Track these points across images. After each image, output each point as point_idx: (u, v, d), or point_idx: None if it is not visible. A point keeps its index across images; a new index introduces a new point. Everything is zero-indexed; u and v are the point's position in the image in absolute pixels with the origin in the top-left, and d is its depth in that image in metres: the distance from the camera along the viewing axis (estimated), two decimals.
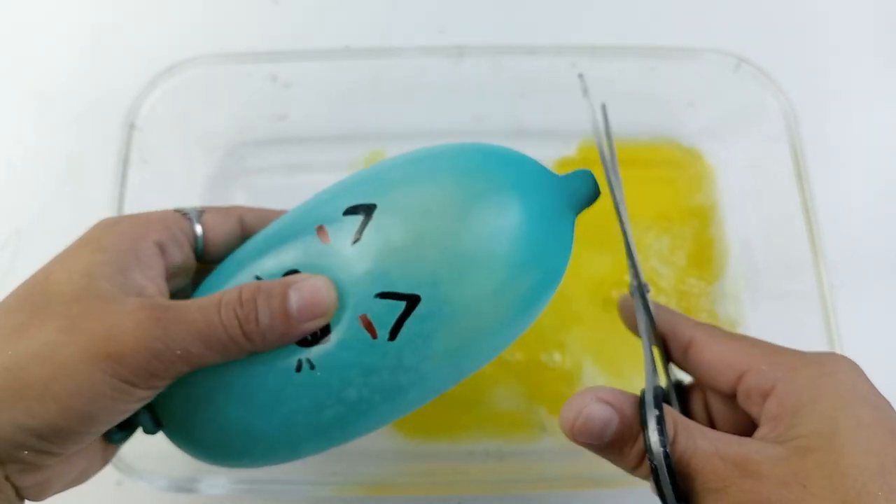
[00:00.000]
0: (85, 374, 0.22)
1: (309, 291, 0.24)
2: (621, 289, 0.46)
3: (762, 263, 0.46)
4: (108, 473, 0.37)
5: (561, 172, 0.33)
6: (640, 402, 0.23)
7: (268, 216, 0.31)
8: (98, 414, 0.23)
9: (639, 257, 0.29)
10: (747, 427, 0.25)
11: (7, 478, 0.23)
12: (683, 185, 0.49)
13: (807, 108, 0.45)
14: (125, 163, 0.42)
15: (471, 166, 0.23)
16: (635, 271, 0.29)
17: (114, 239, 0.26)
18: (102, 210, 0.41)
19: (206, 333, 0.23)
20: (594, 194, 0.26)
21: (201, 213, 0.29)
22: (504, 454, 0.42)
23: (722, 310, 0.46)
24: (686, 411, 0.29)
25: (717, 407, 0.28)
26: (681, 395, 0.29)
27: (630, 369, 0.44)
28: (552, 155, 0.50)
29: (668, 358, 0.29)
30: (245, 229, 0.30)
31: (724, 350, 0.26)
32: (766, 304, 0.45)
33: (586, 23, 0.56)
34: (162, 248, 0.27)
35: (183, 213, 0.29)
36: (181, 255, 0.28)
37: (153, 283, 0.26)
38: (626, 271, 0.46)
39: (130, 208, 0.41)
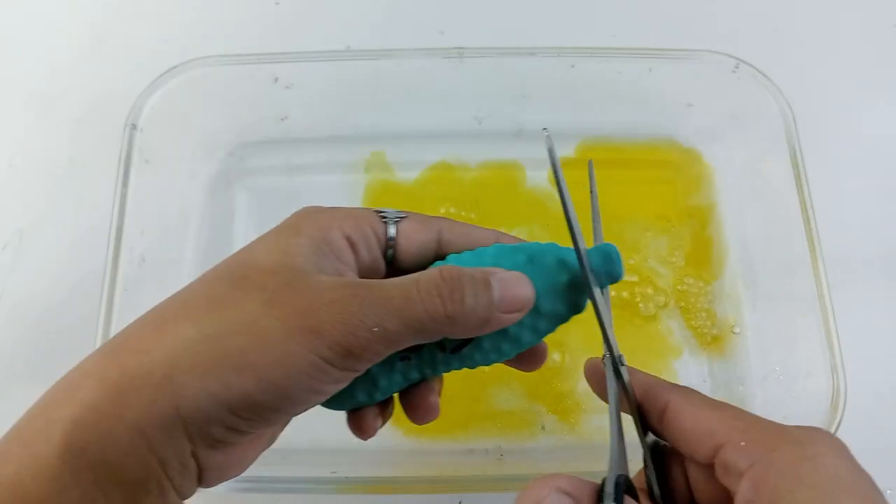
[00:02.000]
0: (283, 347, 0.22)
1: (514, 282, 0.25)
2: (620, 288, 0.46)
3: (760, 263, 0.46)
4: None
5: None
6: (600, 492, 0.22)
7: (470, 234, 0.29)
8: (292, 391, 0.22)
9: (612, 328, 0.27)
10: (726, 498, 0.23)
11: (194, 454, 0.22)
12: (682, 186, 0.49)
13: (805, 109, 0.45)
14: (127, 163, 0.42)
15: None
16: (608, 342, 0.26)
17: (310, 227, 0.26)
18: (103, 210, 0.41)
19: (403, 310, 0.23)
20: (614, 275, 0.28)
21: (401, 218, 0.28)
22: (504, 452, 0.42)
23: (720, 309, 0.46)
24: (663, 476, 0.26)
25: (696, 475, 0.25)
26: (659, 460, 0.27)
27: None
28: None
29: (643, 423, 0.27)
30: (442, 243, 0.28)
31: (701, 418, 0.24)
32: (764, 304, 0.45)
33: (586, 24, 0.56)
34: (351, 244, 0.26)
35: (381, 215, 0.28)
36: (369, 255, 0.27)
37: (346, 273, 0.26)
38: (626, 271, 0.47)
39: (132, 209, 0.42)
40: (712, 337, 0.45)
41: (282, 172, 0.49)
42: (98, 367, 0.22)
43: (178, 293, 0.24)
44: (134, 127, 0.43)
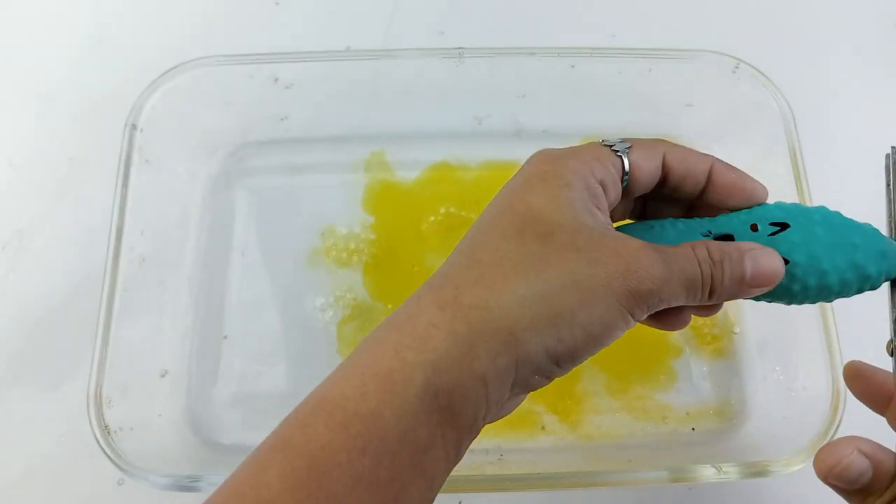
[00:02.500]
0: (605, 304, 0.25)
1: (765, 261, 0.27)
2: None
3: None
4: (109, 472, 0.37)
5: None
6: None
7: (688, 159, 0.30)
8: (604, 340, 0.25)
9: None
10: None
11: (503, 401, 0.25)
12: None
13: (805, 109, 0.45)
14: (127, 163, 0.42)
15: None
16: None
17: (573, 175, 0.27)
18: (103, 210, 0.41)
19: (690, 281, 0.26)
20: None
21: (629, 147, 0.29)
22: (504, 452, 0.42)
23: (720, 310, 0.46)
24: None
25: None
26: None
27: (629, 368, 0.44)
28: None
29: None
30: (666, 166, 0.29)
31: None
32: (763, 305, 0.45)
33: (585, 24, 0.56)
34: (604, 187, 0.28)
35: (614, 150, 0.29)
36: (616, 192, 0.29)
37: (608, 222, 0.27)
38: None
39: (132, 209, 0.42)
40: (712, 337, 0.45)
41: (282, 172, 0.49)
42: (444, 320, 0.24)
43: (483, 244, 0.26)
44: (134, 127, 0.43)
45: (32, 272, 0.48)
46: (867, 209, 0.49)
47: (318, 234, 0.47)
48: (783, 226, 0.28)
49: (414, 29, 0.55)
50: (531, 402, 0.43)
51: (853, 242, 0.28)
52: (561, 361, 0.25)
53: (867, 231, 0.29)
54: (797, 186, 0.42)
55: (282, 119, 0.49)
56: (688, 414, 0.43)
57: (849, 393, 0.38)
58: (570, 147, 0.29)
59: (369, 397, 0.22)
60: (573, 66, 0.46)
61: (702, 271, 0.26)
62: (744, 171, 0.31)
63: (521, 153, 0.49)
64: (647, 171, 0.29)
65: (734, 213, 0.29)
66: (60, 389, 0.43)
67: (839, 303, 0.40)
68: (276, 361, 0.45)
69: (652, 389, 0.44)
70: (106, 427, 0.37)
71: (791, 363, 0.42)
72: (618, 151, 0.29)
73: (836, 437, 0.37)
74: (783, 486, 0.42)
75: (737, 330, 0.45)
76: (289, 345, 0.45)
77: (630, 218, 0.32)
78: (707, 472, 0.36)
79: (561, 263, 0.25)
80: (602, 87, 0.48)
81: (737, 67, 0.45)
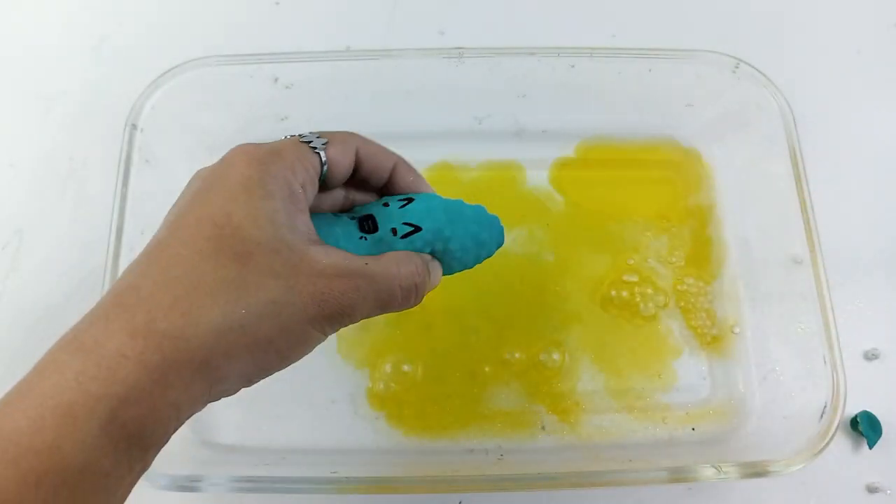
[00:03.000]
0: (302, 332, 0.26)
1: (436, 277, 0.31)
2: (620, 288, 0.46)
3: (760, 263, 0.46)
4: None
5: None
6: None
7: (378, 154, 0.32)
8: (296, 358, 0.27)
9: None
10: None
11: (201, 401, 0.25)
12: (682, 186, 0.49)
13: (805, 108, 0.45)
14: (127, 163, 0.42)
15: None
16: None
17: (275, 184, 0.27)
18: (104, 210, 0.41)
19: (385, 301, 0.28)
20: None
21: (325, 144, 0.30)
22: (504, 452, 0.42)
23: (720, 309, 0.46)
24: None
25: None
26: None
27: (629, 368, 0.44)
28: (551, 155, 0.50)
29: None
30: (358, 160, 0.31)
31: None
32: (763, 304, 0.45)
33: (585, 24, 0.56)
34: (304, 189, 0.28)
35: (311, 147, 0.29)
36: (313, 190, 0.29)
37: (310, 227, 0.28)
38: (624, 271, 0.47)
39: (132, 209, 0.42)
40: (712, 337, 0.45)
41: None
42: (134, 350, 0.23)
43: (178, 260, 0.25)
44: (134, 127, 0.43)
45: (32, 272, 0.48)
46: (867, 208, 0.49)
47: None
48: (409, 200, 0.31)
49: (414, 29, 0.55)
50: (531, 402, 0.43)
51: (467, 215, 0.32)
52: (253, 379, 0.26)
53: (478, 208, 0.33)
54: (797, 186, 0.42)
55: (282, 119, 0.49)
56: (688, 414, 0.43)
57: (849, 393, 0.38)
58: (271, 146, 0.28)
59: (46, 431, 0.21)
60: (573, 66, 0.46)
61: (400, 292, 0.28)
62: (421, 174, 0.34)
63: (521, 153, 0.50)
64: (342, 165, 0.30)
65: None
66: None
67: (838, 303, 0.41)
68: None
69: (652, 389, 0.44)
70: None
71: (791, 363, 0.42)
72: (316, 149, 0.29)
73: (835, 438, 0.37)
74: (783, 486, 0.42)
75: (736, 330, 0.45)
76: None
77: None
78: (707, 472, 0.36)
79: (259, 291, 0.24)
80: (602, 87, 0.48)
81: (737, 67, 0.45)
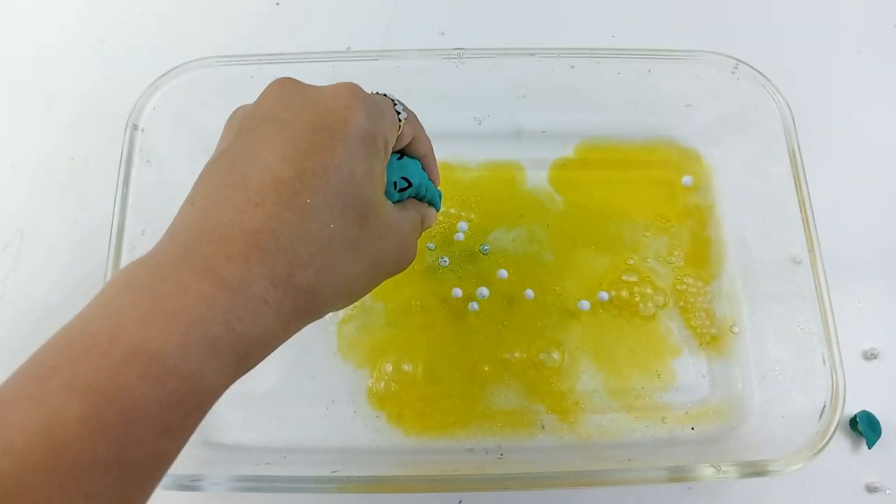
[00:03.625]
0: (376, 285, 0.29)
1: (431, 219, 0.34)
2: (619, 288, 0.46)
3: (759, 263, 0.46)
4: None
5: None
6: None
7: (423, 142, 0.33)
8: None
9: None
10: None
11: None
12: (681, 186, 0.49)
13: (804, 109, 0.45)
14: (128, 164, 0.42)
15: None
16: None
17: (382, 145, 0.27)
18: (104, 210, 0.41)
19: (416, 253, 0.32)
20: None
21: (406, 118, 0.30)
22: (504, 452, 0.42)
23: (719, 309, 0.46)
24: None
25: None
26: None
27: (628, 367, 0.44)
28: (551, 155, 0.50)
29: None
30: (411, 141, 0.32)
31: None
32: (763, 304, 0.45)
33: (585, 25, 0.56)
34: (386, 151, 0.29)
35: (398, 116, 0.29)
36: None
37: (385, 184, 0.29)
38: (623, 271, 0.47)
39: (133, 209, 0.42)
40: (711, 336, 0.45)
41: None
42: (275, 299, 0.24)
43: (312, 212, 0.25)
44: (135, 127, 0.43)
45: (33, 272, 0.48)
46: (866, 208, 0.49)
47: None
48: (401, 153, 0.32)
49: (414, 29, 0.55)
50: (531, 402, 0.43)
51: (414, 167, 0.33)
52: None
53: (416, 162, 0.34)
54: (796, 186, 0.42)
55: None
56: (687, 414, 0.44)
57: (848, 392, 0.38)
58: (375, 99, 0.28)
59: (191, 359, 0.22)
60: (573, 67, 0.46)
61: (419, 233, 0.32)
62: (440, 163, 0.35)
63: (521, 153, 0.50)
64: (405, 140, 0.31)
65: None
66: None
67: (838, 302, 0.41)
68: (276, 361, 0.45)
69: (651, 389, 0.44)
70: None
71: (790, 363, 0.42)
72: (400, 120, 0.29)
73: (834, 437, 0.37)
74: (782, 486, 0.42)
75: (735, 330, 0.45)
76: (289, 345, 0.45)
77: None
78: (706, 472, 0.36)
79: (368, 253, 0.27)
80: (601, 88, 0.48)
81: (736, 67, 0.45)
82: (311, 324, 0.46)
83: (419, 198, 0.33)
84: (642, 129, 0.50)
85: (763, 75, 0.45)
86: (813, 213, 0.42)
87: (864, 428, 0.43)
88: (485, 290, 0.46)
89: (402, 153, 0.32)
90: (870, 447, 0.43)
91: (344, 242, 0.25)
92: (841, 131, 0.52)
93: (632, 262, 0.47)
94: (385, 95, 0.30)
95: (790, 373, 0.42)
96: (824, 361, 0.39)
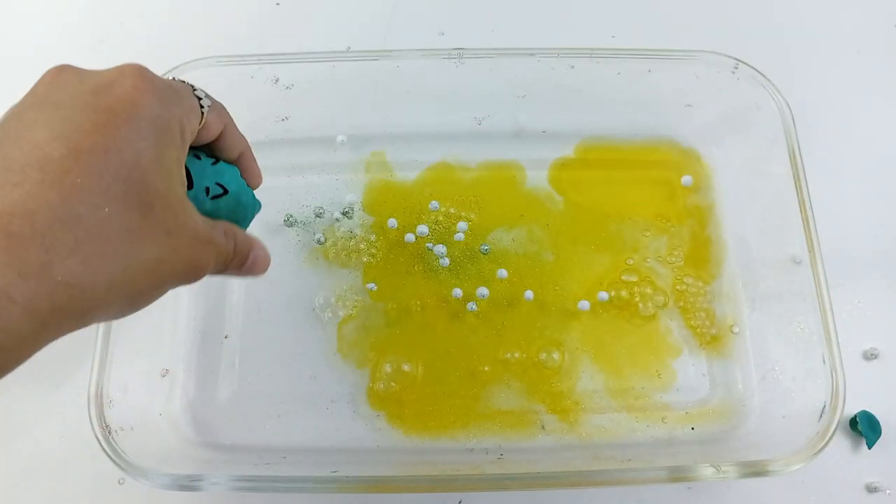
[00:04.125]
0: (167, 290, 0.26)
1: (261, 254, 0.31)
2: (619, 288, 0.46)
3: (759, 263, 0.46)
4: (110, 472, 0.37)
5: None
6: None
7: (234, 136, 0.31)
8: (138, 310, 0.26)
9: None
10: None
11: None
12: (681, 186, 0.49)
13: (804, 109, 0.45)
14: None
15: None
16: None
17: (177, 130, 0.26)
18: None
19: (223, 262, 0.28)
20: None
21: (210, 106, 0.29)
22: (504, 452, 0.42)
23: (719, 309, 0.46)
24: None
25: None
26: None
27: (628, 367, 0.44)
28: (550, 156, 0.50)
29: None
30: (221, 134, 0.30)
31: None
32: (763, 304, 0.45)
33: (585, 25, 0.56)
34: (184, 139, 0.27)
35: (200, 103, 0.28)
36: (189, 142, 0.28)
37: (184, 179, 0.27)
38: (623, 271, 0.47)
39: None
40: (711, 336, 0.45)
41: (282, 172, 0.49)
42: (24, 294, 0.20)
43: (84, 192, 0.22)
44: None
45: None
46: (866, 208, 0.49)
47: (318, 234, 0.48)
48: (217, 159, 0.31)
49: (414, 29, 0.55)
50: (531, 402, 0.43)
51: (231, 173, 0.32)
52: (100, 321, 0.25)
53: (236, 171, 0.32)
54: (796, 186, 0.42)
55: (282, 119, 0.49)
56: (687, 414, 0.44)
57: (848, 392, 0.38)
58: (169, 83, 0.27)
59: None
60: (573, 67, 0.46)
61: (227, 257, 0.29)
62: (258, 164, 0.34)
63: (521, 153, 0.50)
64: (211, 132, 0.29)
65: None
66: (61, 389, 0.44)
67: (837, 302, 0.41)
68: (276, 361, 0.45)
69: (651, 389, 0.44)
70: (107, 426, 0.37)
71: (790, 363, 0.42)
72: (203, 107, 0.28)
73: (834, 437, 0.37)
74: (782, 486, 0.42)
75: (735, 330, 0.45)
76: (289, 345, 0.45)
77: None
78: (706, 472, 0.36)
79: (152, 246, 0.23)
80: (602, 88, 0.48)
81: (736, 67, 0.45)
82: (312, 324, 0.46)
83: (237, 205, 0.31)
84: (642, 129, 0.50)
85: (763, 75, 0.45)
86: (813, 213, 0.42)
87: (864, 428, 0.43)
88: (485, 290, 0.46)
89: (216, 155, 0.31)
90: (870, 447, 0.43)
91: (121, 231, 0.22)
92: (841, 131, 0.52)
93: (632, 262, 0.47)
94: (184, 82, 0.28)
95: (790, 373, 0.42)
96: (824, 361, 0.39)
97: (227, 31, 0.55)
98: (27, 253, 0.20)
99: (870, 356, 0.46)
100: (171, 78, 0.28)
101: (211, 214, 0.29)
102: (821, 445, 0.37)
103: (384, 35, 0.55)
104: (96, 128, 0.23)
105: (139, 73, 0.25)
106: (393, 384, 0.44)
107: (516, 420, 0.43)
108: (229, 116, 0.31)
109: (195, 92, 0.28)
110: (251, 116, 0.49)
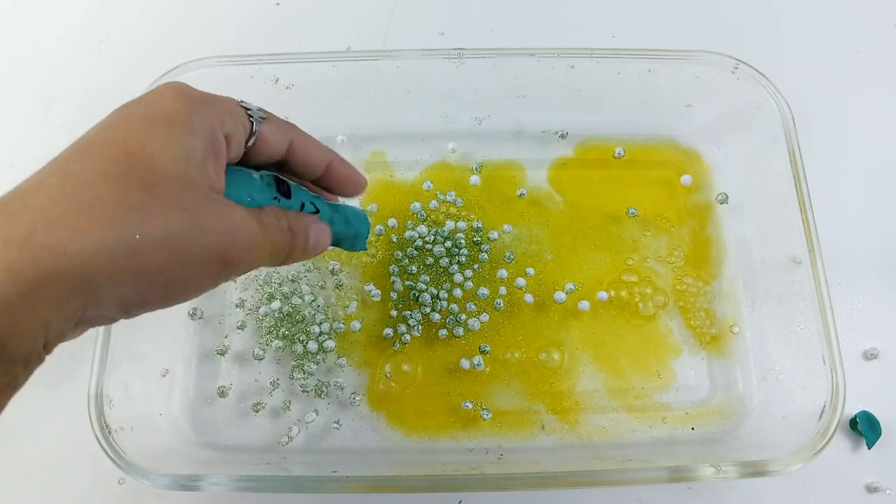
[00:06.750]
0: (199, 270, 0.25)
1: (321, 235, 0.32)
2: (619, 288, 0.46)
3: (759, 263, 0.46)
4: (110, 471, 0.37)
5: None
6: None
7: (311, 148, 0.31)
8: (181, 299, 0.26)
9: None
10: None
11: (67, 334, 0.24)
12: (682, 186, 0.49)
13: (804, 109, 0.45)
14: None
15: None
16: None
17: (200, 123, 0.26)
18: None
19: (276, 250, 0.29)
20: None
21: (262, 119, 0.29)
22: (504, 452, 0.42)
23: (719, 309, 0.46)
24: None
25: None
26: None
27: (628, 367, 0.44)
28: (550, 155, 0.50)
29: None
30: (290, 151, 0.31)
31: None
32: (762, 303, 0.45)
33: (585, 25, 0.56)
34: (227, 142, 0.27)
35: (248, 113, 0.29)
36: (238, 151, 0.28)
37: (220, 176, 0.27)
38: (623, 271, 0.47)
39: None
40: (711, 336, 0.45)
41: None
42: (5, 259, 0.21)
43: (79, 175, 0.24)
44: None
45: None
46: (866, 208, 0.49)
47: None
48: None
49: (414, 29, 0.55)
50: (531, 402, 0.43)
51: (355, 214, 0.35)
52: (132, 310, 0.25)
53: (360, 211, 0.36)
54: (796, 186, 0.42)
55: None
56: (687, 414, 0.44)
57: (848, 392, 0.38)
58: (208, 93, 0.28)
59: None
60: (573, 67, 0.46)
61: (284, 240, 0.29)
62: (356, 167, 0.34)
63: (521, 153, 0.50)
64: (272, 145, 0.30)
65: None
66: (61, 389, 0.44)
67: (837, 302, 0.41)
68: (276, 361, 0.45)
69: (651, 389, 0.44)
70: (107, 426, 0.37)
71: (790, 363, 0.42)
72: (252, 117, 0.29)
73: (834, 437, 0.37)
74: (782, 486, 0.42)
75: (735, 330, 0.45)
76: (288, 345, 0.45)
77: None
78: (706, 472, 0.36)
79: (161, 221, 0.24)
80: (602, 88, 0.48)
81: (736, 68, 0.45)
82: (311, 324, 0.46)
83: (347, 228, 0.34)
84: (643, 128, 0.50)
85: (763, 75, 0.45)
86: (813, 213, 0.42)
87: (863, 428, 0.43)
88: (485, 290, 0.46)
89: (293, 171, 0.32)
90: (870, 447, 0.43)
91: (116, 205, 0.23)
92: (841, 131, 0.52)
93: (632, 262, 0.47)
94: (240, 101, 0.29)
95: (790, 373, 0.42)
96: (824, 361, 0.39)
97: (227, 31, 0.55)
98: (14, 225, 0.22)
99: (870, 356, 0.46)
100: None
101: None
102: (821, 445, 0.37)
103: (384, 35, 0.55)
104: (108, 124, 0.25)
105: (174, 84, 0.27)
106: (393, 384, 0.44)
107: (516, 420, 0.43)
108: (300, 132, 0.31)
109: (242, 103, 0.29)
110: None
